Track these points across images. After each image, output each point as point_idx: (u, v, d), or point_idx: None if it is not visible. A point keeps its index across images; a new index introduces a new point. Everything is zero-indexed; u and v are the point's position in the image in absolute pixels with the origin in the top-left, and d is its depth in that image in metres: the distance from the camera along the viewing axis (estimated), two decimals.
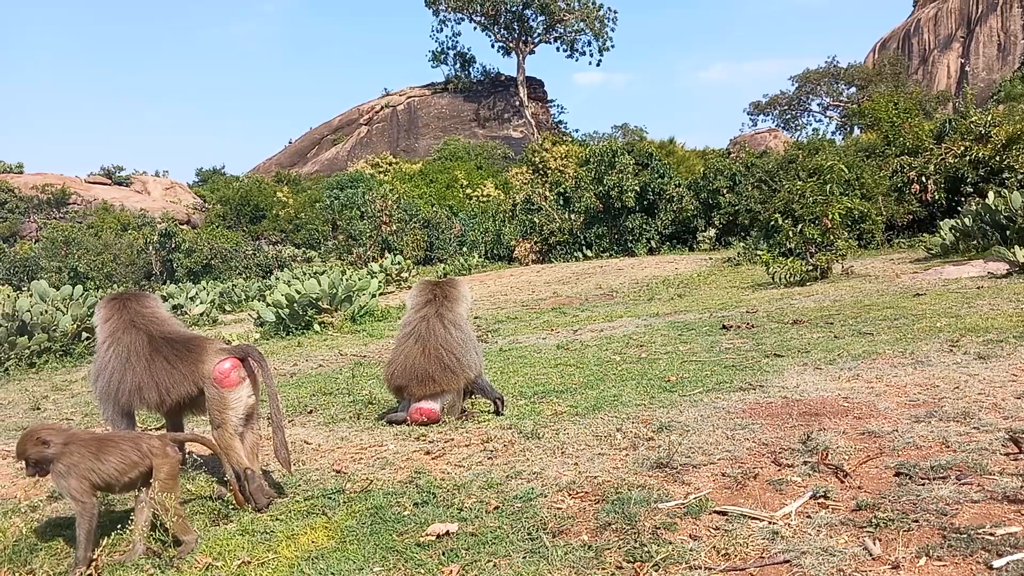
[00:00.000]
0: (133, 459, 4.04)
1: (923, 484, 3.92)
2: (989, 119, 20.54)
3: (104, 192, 55.99)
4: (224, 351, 4.80)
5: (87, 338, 13.76)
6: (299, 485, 4.95)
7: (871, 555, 3.27)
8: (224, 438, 4.65)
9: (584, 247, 27.68)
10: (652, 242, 26.96)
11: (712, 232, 26.40)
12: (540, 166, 46.27)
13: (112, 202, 52.78)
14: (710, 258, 21.47)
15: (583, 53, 68.62)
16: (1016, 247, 12.30)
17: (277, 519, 4.46)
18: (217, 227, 48.18)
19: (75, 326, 13.44)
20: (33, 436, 3.94)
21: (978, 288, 10.80)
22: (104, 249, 36.24)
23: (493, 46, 69.60)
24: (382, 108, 70.39)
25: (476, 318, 14.33)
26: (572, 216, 28.63)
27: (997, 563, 3.07)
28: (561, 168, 43.62)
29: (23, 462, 3.97)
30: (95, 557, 3.94)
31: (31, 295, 14.69)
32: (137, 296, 5.39)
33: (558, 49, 68.81)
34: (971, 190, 19.12)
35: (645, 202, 27.29)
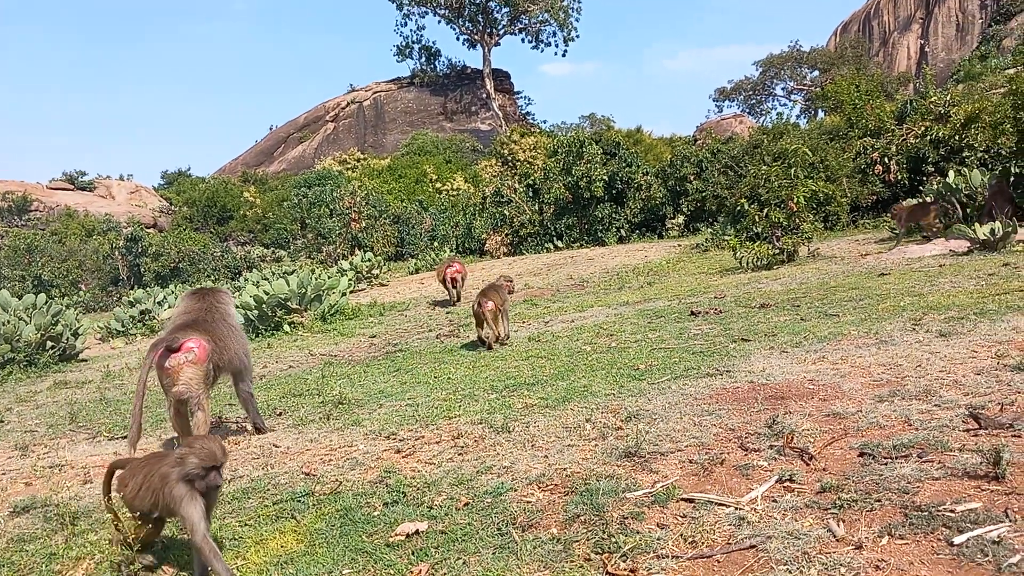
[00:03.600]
0: None
1: (886, 463, 3.97)
2: (948, 99, 20.80)
3: (67, 198, 54.96)
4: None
5: (52, 347, 13.52)
6: (268, 489, 4.90)
7: (835, 536, 3.30)
8: None
9: (555, 238, 27.69)
10: (622, 231, 27.04)
11: (680, 219, 26.52)
12: (509, 158, 46.19)
13: (76, 208, 51.85)
14: (679, 245, 21.57)
15: (548, 44, 68.50)
16: (976, 224, 12.51)
17: (246, 524, 4.42)
18: (184, 230, 47.53)
19: (39, 335, 13.20)
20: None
21: (940, 266, 10.96)
22: (69, 256, 35.59)
23: (458, 39, 69.40)
24: (348, 104, 69.80)
25: (448, 313, 14.29)
26: (542, 207, 28.62)
27: (958, 539, 3.12)
28: (530, 160, 43.58)
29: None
30: None
31: None
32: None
33: (523, 40, 68.63)
34: (932, 169, 19.37)
35: (614, 191, 27.34)
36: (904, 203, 16.04)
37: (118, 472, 4.11)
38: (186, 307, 6.21)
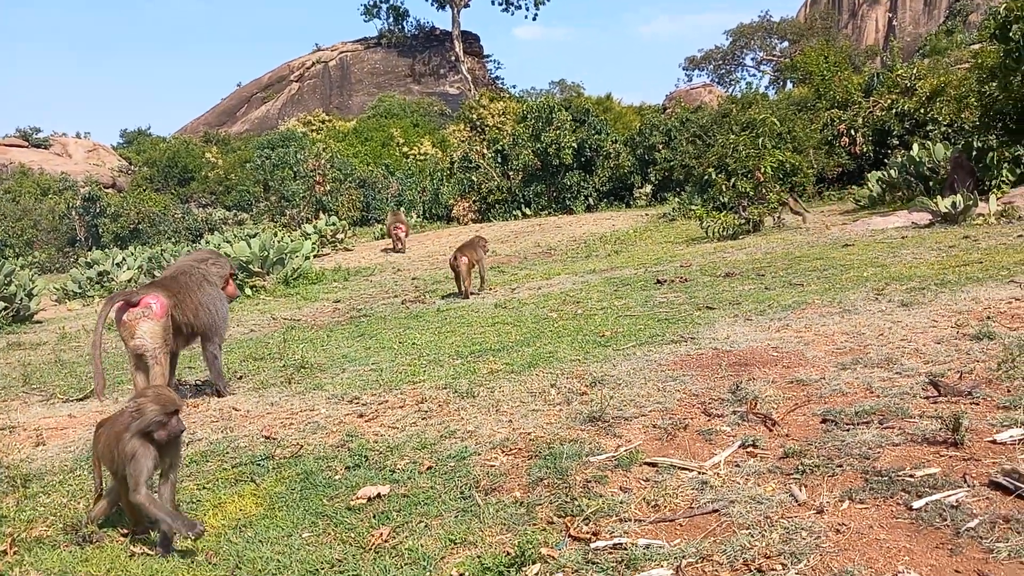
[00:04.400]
0: None
1: (848, 430, 4.00)
2: (915, 73, 20.97)
3: (21, 155, 53.34)
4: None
5: (4, 308, 13.17)
6: (227, 452, 4.82)
7: (797, 501, 3.32)
8: None
9: (523, 205, 27.57)
10: (590, 199, 27.00)
11: (648, 188, 26.55)
12: (478, 123, 45.73)
13: (30, 165, 50.36)
14: (646, 214, 21.61)
15: (519, 7, 67.54)
16: (939, 197, 12.66)
17: (204, 487, 4.34)
18: (144, 190, 46.46)
19: None
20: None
21: (903, 238, 11.10)
22: (23, 215, 34.64)
23: None
24: (313, 64, 68.41)
25: (414, 279, 14.18)
26: (510, 174, 28.44)
27: (917, 503, 3.15)
28: (499, 125, 43.18)
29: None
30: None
31: None
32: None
33: (493, 2, 67.57)
34: (897, 142, 19.56)
35: (583, 159, 27.24)
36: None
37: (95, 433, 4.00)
38: (170, 266, 6.58)
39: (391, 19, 68.75)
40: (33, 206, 36.19)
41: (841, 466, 3.59)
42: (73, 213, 34.54)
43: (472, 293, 10.69)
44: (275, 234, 18.30)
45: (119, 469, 3.71)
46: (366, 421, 5.15)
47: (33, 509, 4.19)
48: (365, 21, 70.28)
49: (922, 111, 19.49)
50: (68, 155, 56.32)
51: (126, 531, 3.84)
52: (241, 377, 6.98)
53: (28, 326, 13.25)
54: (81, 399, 6.83)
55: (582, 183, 26.96)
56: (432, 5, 67.57)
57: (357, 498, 3.92)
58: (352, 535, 3.56)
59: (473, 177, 28.97)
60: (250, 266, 13.83)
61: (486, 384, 5.65)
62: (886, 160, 18.56)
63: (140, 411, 3.61)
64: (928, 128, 19.07)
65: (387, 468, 4.26)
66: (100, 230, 33.66)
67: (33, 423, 5.96)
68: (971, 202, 11.98)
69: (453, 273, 10.84)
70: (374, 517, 3.71)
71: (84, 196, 35.76)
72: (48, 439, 5.46)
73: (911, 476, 3.39)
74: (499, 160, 29.39)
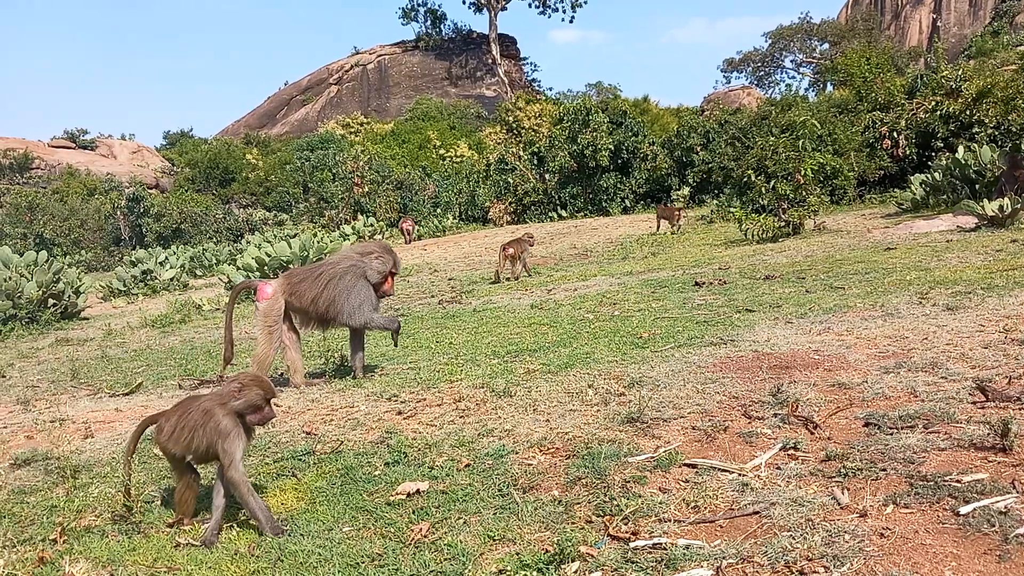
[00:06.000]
0: None
1: (891, 433, 3.94)
2: (960, 74, 20.56)
3: (69, 156, 54.69)
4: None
5: (53, 305, 13.52)
6: (269, 447, 4.89)
7: (839, 504, 3.28)
8: None
9: (559, 207, 27.56)
10: (626, 201, 26.90)
11: (686, 190, 26.37)
12: (514, 125, 45.84)
13: (77, 167, 51.61)
14: (684, 216, 21.46)
15: (556, 10, 67.66)
16: (985, 200, 12.40)
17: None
18: (186, 191, 47.37)
19: (40, 293, 13.19)
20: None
21: (947, 242, 10.88)
22: (70, 215, 35.51)
23: (464, 2, 68.52)
24: (352, 67, 69.13)
25: (450, 279, 14.25)
26: (546, 176, 28.45)
27: (964, 509, 3.09)
28: (535, 127, 43.25)
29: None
30: None
31: None
32: None
33: (530, 5, 67.72)
34: (941, 145, 19.20)
35: (619, 161, 27.17)
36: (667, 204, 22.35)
37: (154, 425, 4.01)
38: (334, 253, 7.56)
39: (429, 22, 69.28)
40: (80, 206, 37.07)
41: (885, 470, 3.54)
42: (118, 213, 35.30)
43: (512, 277, 12.72)
44: (314, 235, 18.54)
45: (204, 448, 3.76)
46: (405, 418, 5.19)
47: (82, 499, 4.29)
48: (403, 24, 70.87)
49: (967, 113, 19.10)
50: (113, 156, 57.61)
51: (171, 521, 3.92)
52: (282, 373, 7.08)
53: (75, 322, 13.57)
54: (127, 394, 6.99)
55: (619, 185, 26.87)
56: (469, 8, 68.00)
57: (396, 494, 3.95)
58: (392, 530, 3.59)
59: (509, 179, 29.03)
60: (290, 265, 14.01)
61: (523, 384, 5.66)
62: (930, 163, 18.21)
63: (242, 391, 3.66)
64: (974, 130, 18.68)
65: (426, 465, 4.30)
66: (144, 230, 34.36)
67: (81, 416, 6.11)
68: (1019, 205, 11.70)
69: (499, 259, 12.99)
70: (413, 513, 3.74)
71: (129, 196, 36.53)
72: (96, 432, 5.60)
73: (958, 481, 3.32)
74: (535, 162, 29.41)
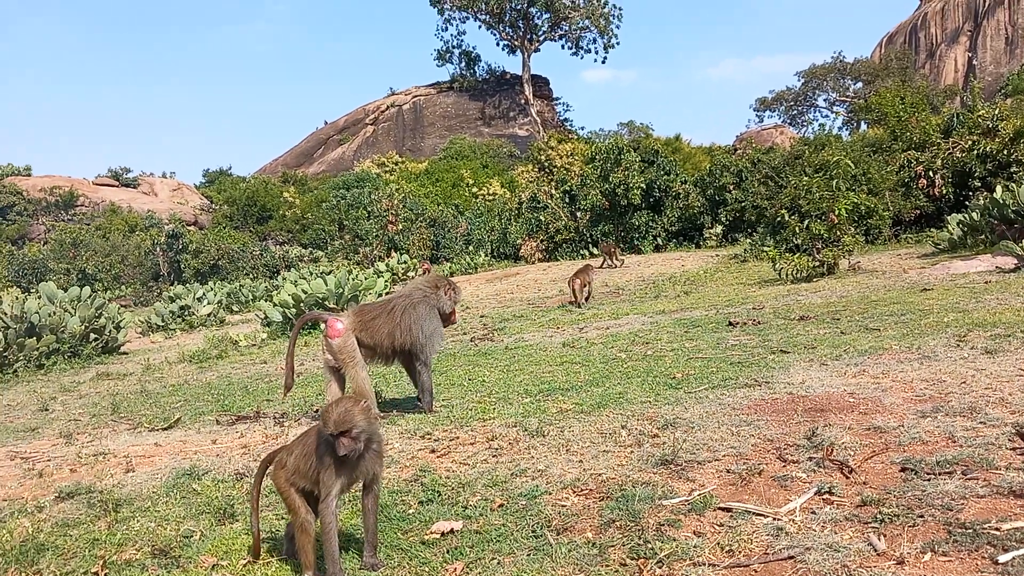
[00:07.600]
0: None
1: (928, 479, 3.90)
2: (997, 113, 20.40)
3: (111, 194, 56.20)
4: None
5: (95, 339, 13.82)
6: None
7: (876, 550, 3.26)
8: None
9: (590, 245, 27.64)
10: (658, 239, 26.92)
11: (719, 229, 26.33)
12: (546, 164, 46.24)
13: (120, 204, 52.98)
14: (716, 255, 21.42)
15: (588, 51, 68.54)
16: None
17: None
18: (224, 228, 48.30)
19: (83, 327, 13.51)
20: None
21: (986, 283, 10.74)
22: (112, 251, 36.38)
23: (498, 44, 69.86)
24: (388, 108, 70.45)
25: (482, 316, 14.34)
26: (578, 214, 28.60)
27: (1003, 558, 3.06)
28: (567, 166, 43.59)
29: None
30: None
31: (39, 297, 14.77)
32: None
33: (563, 47, 68.99)
34: (979, 184, 19.00)
35: (651, 199, 27.24)
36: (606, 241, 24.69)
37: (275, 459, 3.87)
38: (406, 285, 7.34)
39: (463, 64, 70.50)
40: (121, 242, 37.96)
41: (922, 516, 3.50)
42: (158, 249, 36.07)
43: (581, 304, 14.10)
44: (349, 271, 18.78)
45: (309, 482, 3.64)
46: (438, 457, 5.24)
47: (124, 533, 4.38)
48: (438, 66, 72.12)
49: (1005, 152, 18.91)
50: (155, 193, 59.02)
51: (210, 559, 3.98)
52: (318, 410, 7.17)
53: (116, 357, 13.85)
54: (165, 428, 7.13)
55: (650, 223, 26.91)
56: (503, 50, 69.13)
57: (431, 532, 3.99)
58: (427, 569, 3.63)
59: (541, 217, 29.23)
60: (325, 302, 14.21)
61: (556, 423, 5.68)
62: (967, 203, 18.02)
63: (323, 421, 3.52)
64: (1012, 169, 18.48)
65: (459, 504, 4.33)
66: (182, 265, 35.05)
67: (123, 450, 6.23)
68: None
69: (569, 289, 14.62)
70: (448, 552, 3.77)
71: (168, 233, 37.36)
72: (137, 466, 5.71)
73: (997, 529, 3.28)
74: (567, 200, 29.60)
